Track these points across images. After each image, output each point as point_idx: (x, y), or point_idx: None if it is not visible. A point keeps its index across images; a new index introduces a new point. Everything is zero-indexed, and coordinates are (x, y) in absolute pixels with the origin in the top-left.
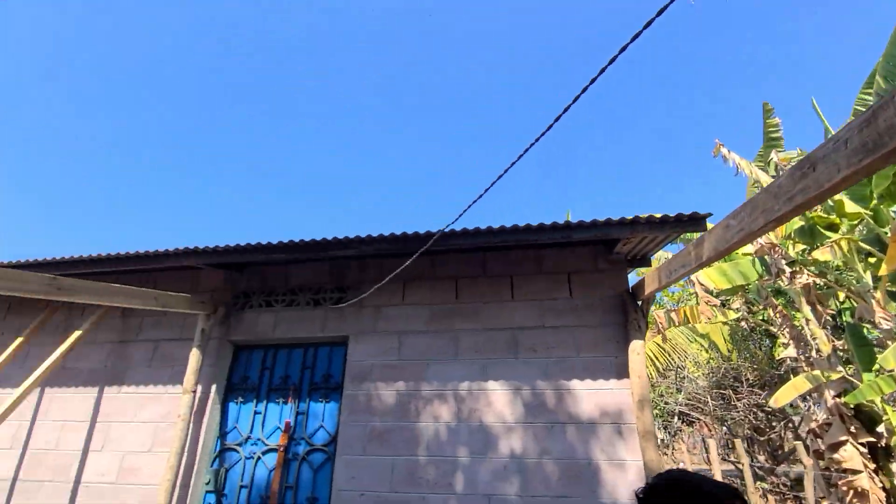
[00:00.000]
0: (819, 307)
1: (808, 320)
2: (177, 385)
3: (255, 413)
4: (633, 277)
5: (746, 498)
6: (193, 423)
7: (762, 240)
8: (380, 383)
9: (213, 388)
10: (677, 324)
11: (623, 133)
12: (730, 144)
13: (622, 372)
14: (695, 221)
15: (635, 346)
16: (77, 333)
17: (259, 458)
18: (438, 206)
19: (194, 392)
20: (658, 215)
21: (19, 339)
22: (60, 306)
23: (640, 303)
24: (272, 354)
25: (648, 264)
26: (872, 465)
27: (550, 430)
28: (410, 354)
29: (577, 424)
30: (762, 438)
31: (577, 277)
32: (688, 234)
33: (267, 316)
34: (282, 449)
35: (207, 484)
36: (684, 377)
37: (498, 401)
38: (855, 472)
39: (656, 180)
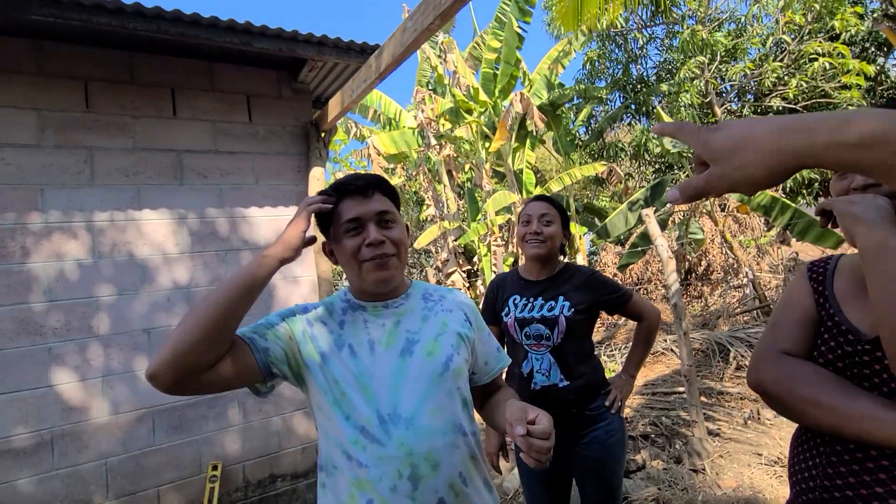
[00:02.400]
0: (453, 175)
1: (445, 185)
2: None
3: None
4: None
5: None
6: None
7: (422, 115)
8: None
9: None
10: None
11: None
12: None
13: (302, 199)
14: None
15: (315, 173)
16: None
17: None
18: None
19: None
20: (345, 41)
21: None
22: None
23: (322, 133)
24: None
25: (326, 105)
26: (467, 283)
27: (224, 258)
28: (10, 176)
29: (254, 250)
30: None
31: (259, 102)
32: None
33: None
34: None
35: None
36: None
37: (157, 231)
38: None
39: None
